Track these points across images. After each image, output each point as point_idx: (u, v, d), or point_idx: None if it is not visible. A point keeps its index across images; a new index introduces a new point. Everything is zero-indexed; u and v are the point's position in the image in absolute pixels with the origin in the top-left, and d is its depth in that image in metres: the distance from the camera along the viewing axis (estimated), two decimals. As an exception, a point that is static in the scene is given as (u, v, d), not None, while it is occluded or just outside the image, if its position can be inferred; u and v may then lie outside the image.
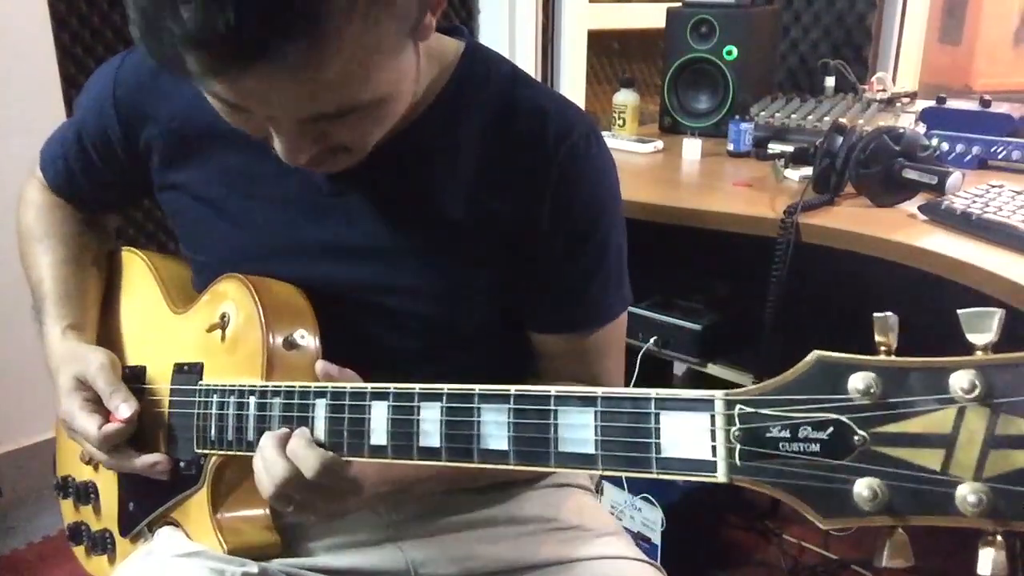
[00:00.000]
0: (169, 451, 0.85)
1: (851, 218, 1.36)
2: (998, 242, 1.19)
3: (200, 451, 0.81)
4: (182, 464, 0.84)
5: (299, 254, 0.83)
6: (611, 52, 3.13)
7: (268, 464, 0.70)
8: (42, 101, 1.81)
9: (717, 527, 1.88)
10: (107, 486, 0.94)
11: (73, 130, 0.92)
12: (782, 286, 1.39)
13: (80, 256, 0.96)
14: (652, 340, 1.62)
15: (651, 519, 1.63)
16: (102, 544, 0.94)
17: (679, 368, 1.98)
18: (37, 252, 0.95)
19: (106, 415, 0.84)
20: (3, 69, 1.75)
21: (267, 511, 0.84)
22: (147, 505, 0.88)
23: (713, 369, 1.63)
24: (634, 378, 1.55)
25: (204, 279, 0.88)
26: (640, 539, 1.63)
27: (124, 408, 0.83)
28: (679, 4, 2.06)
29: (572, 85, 2.82)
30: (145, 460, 0.84)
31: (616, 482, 1.65)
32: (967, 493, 0.43)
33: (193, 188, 0.86)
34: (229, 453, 0.79)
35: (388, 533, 0.89)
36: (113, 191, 0.95)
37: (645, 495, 1.63)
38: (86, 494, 0.96)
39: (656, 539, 1.63)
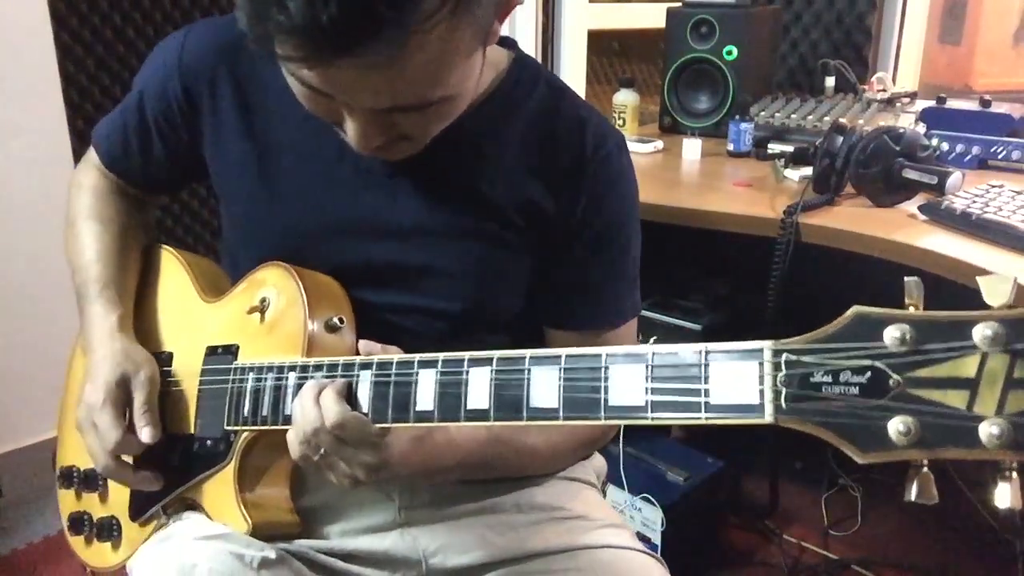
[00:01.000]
0: (195, 430, 0.87)
1: (851, 218, 1.36)
2: (998, 242, 1.19)
3: (230, 428, 0.83)
4: (208, 442, 0.85)
5: (347, 231, 0.87)
6: (611, 52, 3.13)
7: (304, 410, 0.73)
8: (42, 101, 1.81)
9: (717, 527, 1.88)
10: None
11: (134, 100, 0.94)
12: (782, 286, 1.39)
13: (128, 245, 0.99)
14: (652, 340, 1.62)
15: (651, 519, 1.63)
16: (107, 531, 0.95)
17: (679, 368, 1.97)
18: (88, 235, 0.97)
19: (130, 424, 0.86)
20: (3, 69, 1.75)
21: (288, 492, 0.86)
22: (165, 486, 0.89)
23: (713, 369, 1.63)
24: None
25: (251, 253, 0.90)
26: (640, 539, 1.63)
27: (148, 432, 0.85)
28: (679, 4, 2.06)
29: (572, 85, 2.81)
30: (141, 476, 0.87)
31: (616, 482, 1.65)
32: (989, 427, 0.48)
33: (248, 161, 0.89)
34: (263, 428, 0.80)
35: (400, 519, 0.91)
36: (164, 166, 0.96)
37: (645, 495, 1.63)
38: (94, 481, 0.97)
39: (656, 539, 1.63)
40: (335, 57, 0.61)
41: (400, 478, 0.80)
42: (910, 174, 1.36)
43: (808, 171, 1.52)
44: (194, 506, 0.88)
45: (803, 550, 1.82)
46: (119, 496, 0.94)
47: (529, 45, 2.68)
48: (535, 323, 0.92)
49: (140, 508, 0.91)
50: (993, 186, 1.37)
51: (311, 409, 0.72)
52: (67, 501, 1.01)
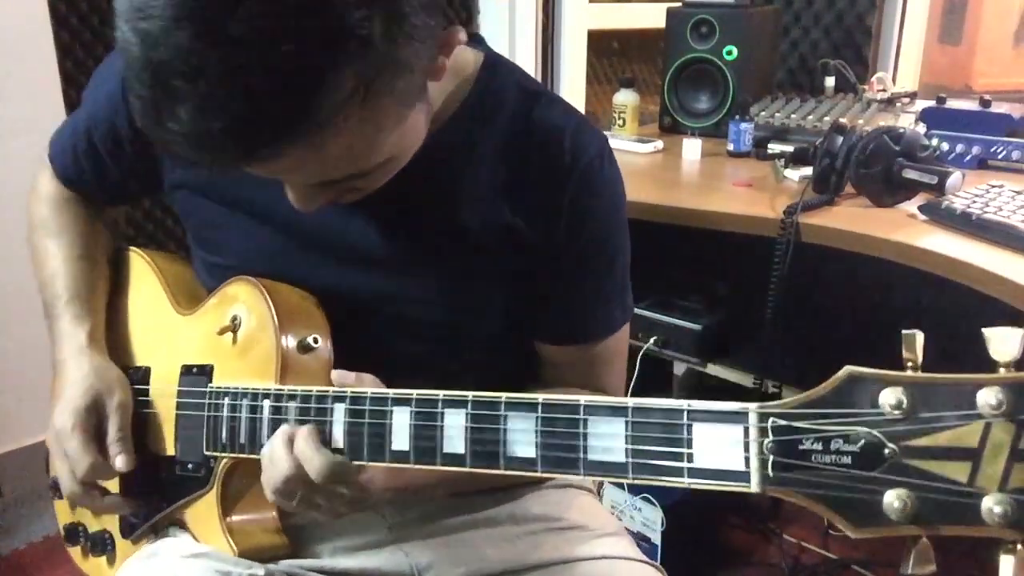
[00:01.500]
0: (176, 452, 0.85)
1: (851, 218, 1.36)
2: (998, 242, 1.19)
3: (210, 453, 0.81)
4: (190, 466, 0.84)
5: (314, 260, 0.84)
6: (611, 52, 3.13)
7: (274, 460, 0.70)
8: (42, 101, 1.81)
9: (717, 527, 1.88)
10: (107, 484, 0.93)
11: (83, 124, 0.91)
12: (782, 286, 1.39)
13: (92, 253, 0.96)
14: (652, 340, 1.62)
15: (651, 519, 1.63)
16: (101, 545, 0.94)
17: (679, 368, 1.98)
18: (51, 247, 0.95)
19: (101, 450, 0.84)
20: (3, 69, 1.75)
21: (275, 514, 0.84)
22: (151, 507, 0.88)
23: (713, 369, 1.63)
24: (634, 378, 1.55)
25: (216, 279, 0.87)
26: (640, 539, 1.63)
27: (122, 460, 0.84)
28: (679, 4, 2.06)
29: (572, 85, 2.82)
30: (108, 503, 0.86)
31: (617, 482, 1.65)
32: (992, 504, 0.45)
33: (209, 188, 0.86)
34: (241, 456, 0.79)
35: (392, 535, 0.89)
36: (121, 186, 0.94)
37: (645, 495, 1.63)
38: None
39: (656, 539, 1.63)
40: (237, 164, 0.58)
41: (386, 502, 0.77)
42: (910, 174, 1.36)
43: (808, 171, 1.52)
44: (182, 525, 0.86)
45: (803, 550, 1.82)
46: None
47: (529, 45, 2.68)
48: (523, 343, 0.89)
49: (130, 527, 0.91)
50: (993, 186, 1.37)
51: (282, 458, 0.69)
52: (62, 510, 1.01)
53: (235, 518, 0.82)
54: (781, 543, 1.83)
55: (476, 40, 0.85)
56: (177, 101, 0.54)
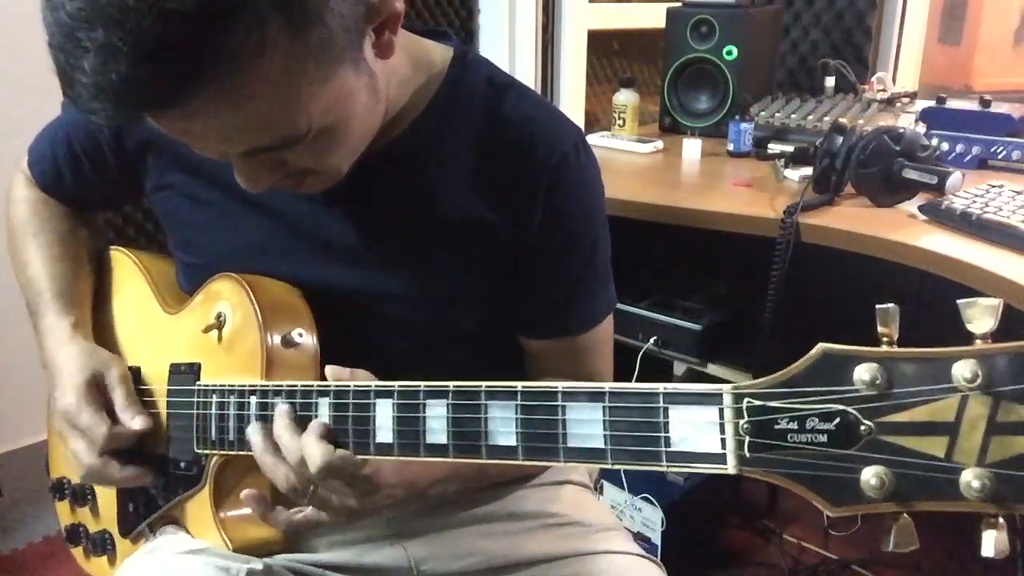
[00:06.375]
0: (168, 451, 0.85)
1: (851, 218, 1.36)
2: (998, 242, 1.19)
3: (200, 451, 0.81)
4: (182, 464, 0.84)
5: (293, 258, 0.84)
6: (611, 52, 3.13)
7: (286, 452, 0.70)
8: (42, 101, 1.81)
9: (717, 527, 1.88)
10: (105, 487, 0.94)
11: (63, 131, 0.91)
12: (782, 286, 1.39)
13: (75, 253, 0.96)
14: (652, 340, 1.62)
15: (651, 519, 1.63)
16: (102, 545, 0.94)
17: (679, 368, 1.98)
18: (31, 248, 0.95)
19: (112, 419, 0.84)
20: (3, 69, 1.75)
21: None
22: (147, 506, 0.88)
23: (713, 369, 1.63)
24: (634, 378, 1.55)
25: (194, 280, 0.87)
26: (640, 539, 1.63)
27: (139, 420, 0.83)
28: (679, 4, 2.06)
29: (572, 85, 2.82)
30: (128, 473, 0.84)
31: (616, 482, 1.65)
32: (971, 479, 0.45)
33: (189, 189, 0.86)
34: (231, 453, 0.79)
35: (390, 530, 0.89)
36: (100, 193, 0.95)
37: (645, 495, 1.63)
38: (83, 495, 0.96)
39: (656, 539, 1.63)
40: (150, 112, 0.57)
41: (395, 498, 0.76)
42: (910, 174, 1.36)
43: (808, 171, 1.52)
44: (178, 523, 0.87)
45: (803, 550, 1.82)
46: (109, 511, 0.93)
47: (529, 45, 2.68)
48: (507, 336, 0.89)
49: (128, 526, 0.91)
50: (993, 186, 1.37)
51: (292, 451, 0.69)
52: (64, 512, 1.01)
53: (229, 514, 0.82)
54: (781, 543, 1.83)
55: (445, 36, 0.84)
56: (83, 52, 0.54)
